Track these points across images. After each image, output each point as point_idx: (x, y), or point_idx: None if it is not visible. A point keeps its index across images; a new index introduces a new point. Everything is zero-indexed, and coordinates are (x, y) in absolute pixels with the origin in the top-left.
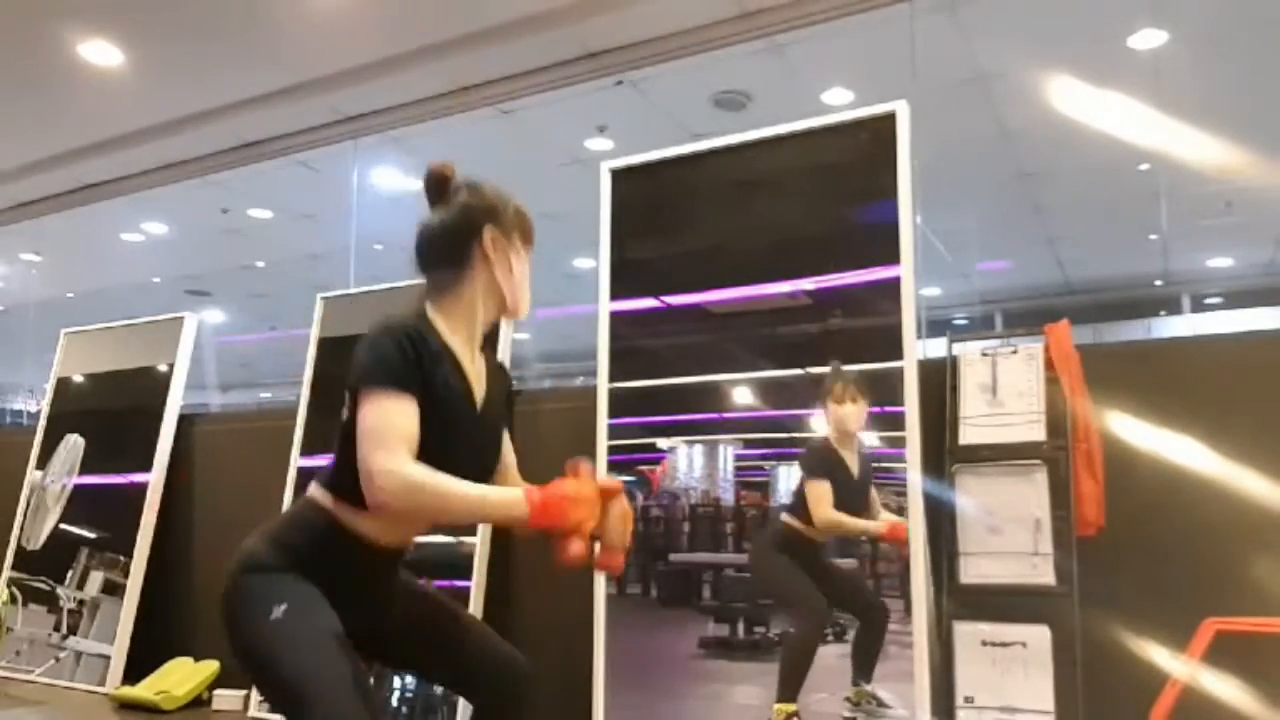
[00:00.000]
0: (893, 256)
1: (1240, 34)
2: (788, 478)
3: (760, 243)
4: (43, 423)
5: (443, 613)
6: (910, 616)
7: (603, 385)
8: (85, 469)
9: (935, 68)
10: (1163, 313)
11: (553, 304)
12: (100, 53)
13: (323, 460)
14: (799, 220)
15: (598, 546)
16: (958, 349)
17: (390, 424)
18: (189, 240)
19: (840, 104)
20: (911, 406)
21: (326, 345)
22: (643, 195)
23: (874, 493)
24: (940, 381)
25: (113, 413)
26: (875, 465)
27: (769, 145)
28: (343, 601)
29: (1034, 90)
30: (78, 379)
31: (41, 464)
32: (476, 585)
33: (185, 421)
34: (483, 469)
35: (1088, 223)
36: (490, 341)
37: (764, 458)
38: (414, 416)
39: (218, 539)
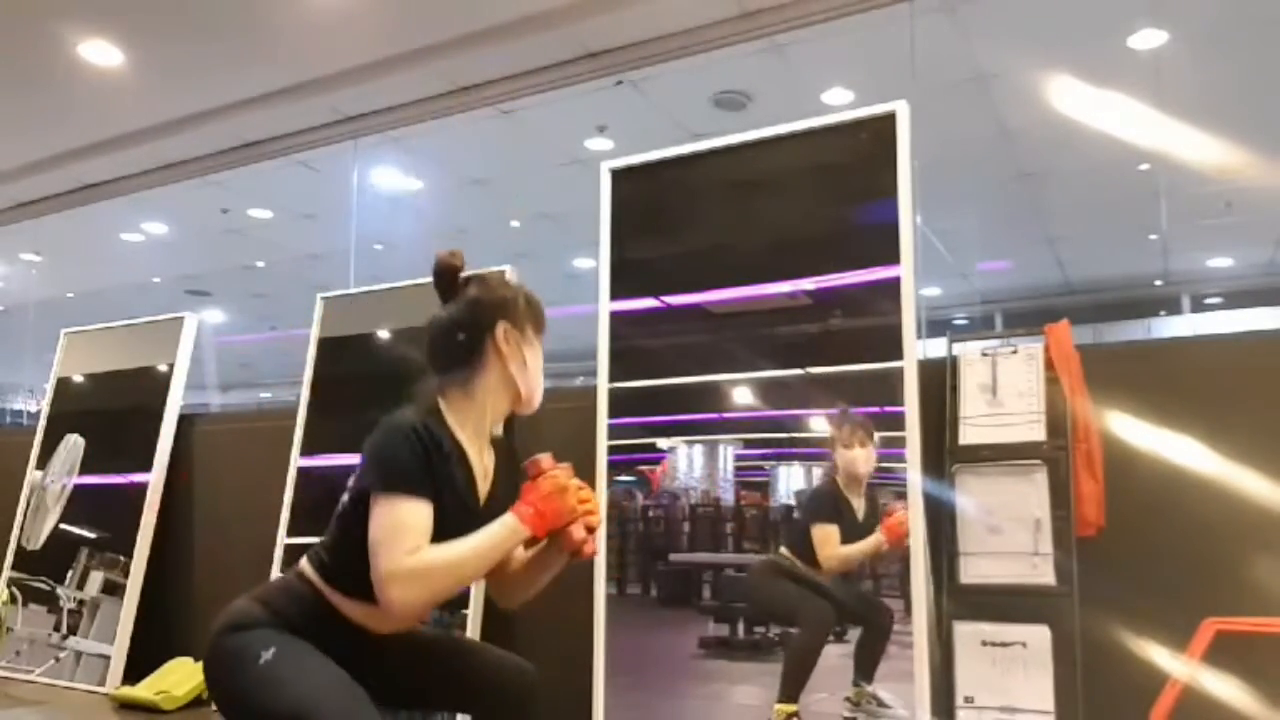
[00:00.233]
0: (893, 256)
1: (1240, 34)
2: (787, 478)
3: (760, 243)
4: (43, 423)
5: (436, 642)
6: (910, 616)
7: (603, 385)
8: (85, 469)
9: (935, 68)
10: (1163, 313)
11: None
12: (100, 53)
13: (322, 460)
14: (799, 220)
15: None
16: (958, 349)
17: (403, 527)
18: (189, 240)
19: (840, 104)
20: (911, 406)
21: (326, 345)
22: (643, 195)
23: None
24: (940, 381)
25: (113, 413)
26: (875, 467)
27: (769, 145)
28: (334, 660)
29: (1034, 90)
30: (78, 379)
31: (41, 464)
32: (477, 585)
33: (185, 421)
34: None
35: (1088, 223)
36: (506, 429)
37: (764, 458)
38: (427, 516)
39: (218, 539)
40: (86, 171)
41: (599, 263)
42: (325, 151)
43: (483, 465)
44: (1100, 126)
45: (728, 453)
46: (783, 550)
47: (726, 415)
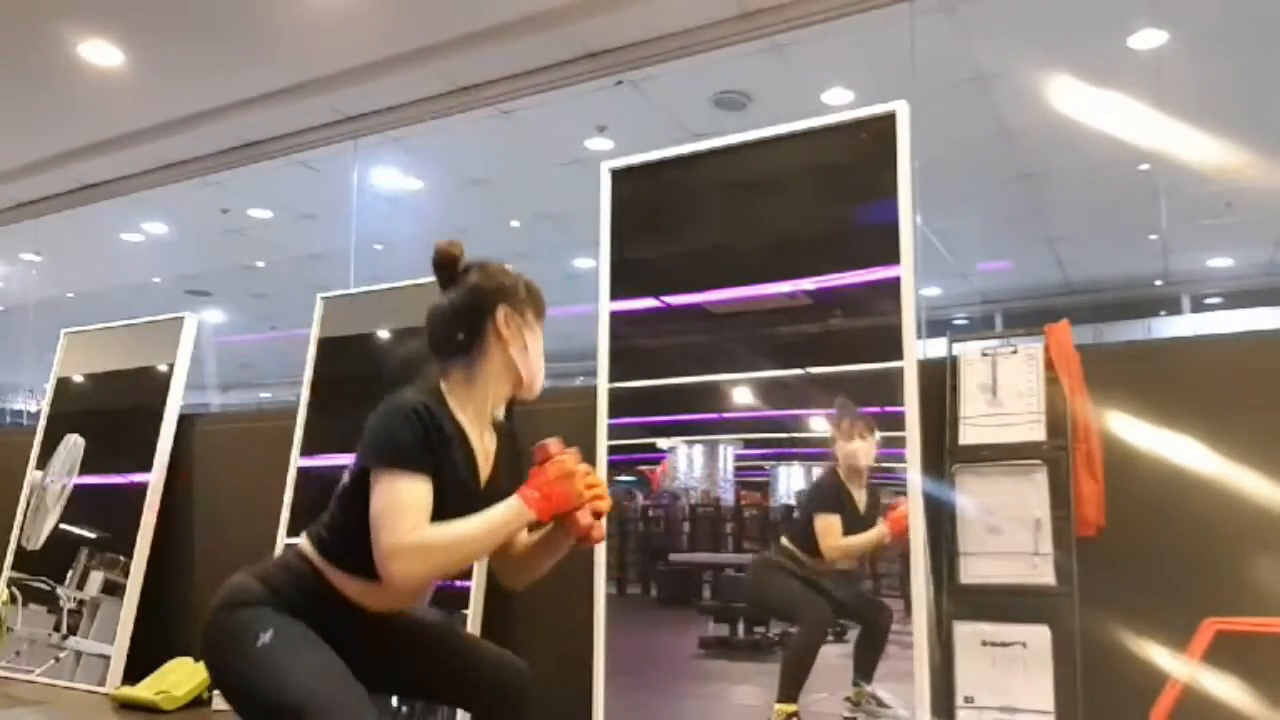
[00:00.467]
0: (893, 256)
1: (1240, 34)
2: (787, 478)
3: (760, 243)
4: (43, 423)
5: (434, 633)
6: (910, 616)
7: (603, 385)
8: (85, 469)
9: (935, 68)
10: (1163, 313)
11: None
12: (100, 53)
13: (322, 460)
14: (799, 220)
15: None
16: (958, 349)
17: (403, 504)
18: (189, 240)
19: (840, 104)
20: (911, 406)
21: (326, 345)
22: (643, 195)
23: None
24: (940, 381)
25: (113, 413)
26: (875, 466)
27: (769, 145)
28: (331, 643)
29: (1034, 90)
30: (78, 379)
31: (41, 464)
32: (476, 585)
33: (185, 421)
34: None
35: (1088, 223)
36: (506, 413)
37: (764, 458)
38: (427, 494)
39: (218, 539)
40: (86, 171)
41: (599, 263)
42: (325, 151)
43: (484, 448)
44: (1100, 126)
45: (728, 453)
46: (784, 542)
47: (726, 415)
